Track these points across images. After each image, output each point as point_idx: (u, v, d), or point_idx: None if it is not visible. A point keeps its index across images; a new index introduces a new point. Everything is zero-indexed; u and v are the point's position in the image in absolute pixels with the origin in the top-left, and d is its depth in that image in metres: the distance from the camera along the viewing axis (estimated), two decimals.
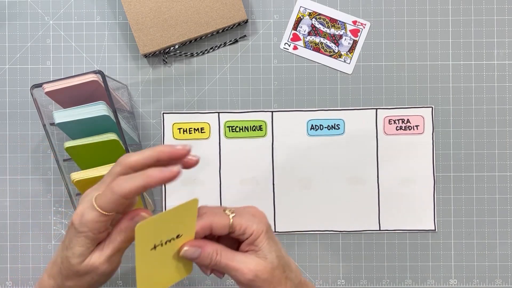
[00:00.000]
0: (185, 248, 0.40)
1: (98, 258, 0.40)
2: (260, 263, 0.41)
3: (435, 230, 0.60)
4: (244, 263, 0.40)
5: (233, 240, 0.43)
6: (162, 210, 0.60)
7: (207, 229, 0.40)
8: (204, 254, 0.40)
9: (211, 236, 0.42)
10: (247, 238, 0.41)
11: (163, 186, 0.61)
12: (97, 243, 0.40)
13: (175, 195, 0.61)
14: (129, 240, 0.41)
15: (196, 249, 0.40)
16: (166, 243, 0.41)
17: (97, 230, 0.39)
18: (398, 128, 0.60)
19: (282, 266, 0.41)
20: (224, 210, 0.42)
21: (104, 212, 0.38)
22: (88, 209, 0.38)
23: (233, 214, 0.41)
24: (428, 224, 0.60)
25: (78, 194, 0.56)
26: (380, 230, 0.61)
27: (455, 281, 0.61)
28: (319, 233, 0.61)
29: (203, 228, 0.40)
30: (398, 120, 0.60)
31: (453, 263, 0.60)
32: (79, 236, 0.39)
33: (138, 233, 0.39)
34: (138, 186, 0.37)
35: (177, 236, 0.41)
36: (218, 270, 0.43)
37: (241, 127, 0.61)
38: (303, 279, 0.45)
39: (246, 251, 0.42)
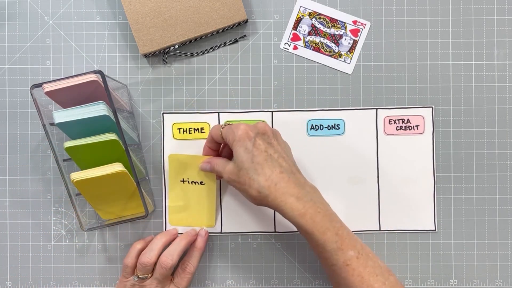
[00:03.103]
0: (201, 163, 0.56)
1: None
2: (230, 167, 0.50)
3: (435, 230, 0.60)
4: (224, 167, 0.51)
5: None
6: (162, 210, 0.60)
7: (211, 137, 0.54)
8: (211, 167, 0.54)
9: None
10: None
11: (163, 186, 0.60)
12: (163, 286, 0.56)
13: None
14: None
15: (207, 164, 0.55)
16: (192, 183, 0.58)
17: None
18: (398, 128, 0.60)
19: (246, 170, 0.48)
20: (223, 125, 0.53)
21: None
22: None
23: (223, 127, 0.52)
24: (428, 224, 0.60)
25: (78, 194, 0.56)
26: (380, 230, 0.61)
27: (455, 281, 0.61)
28: None
29: (211, 136, 0.54)
30: (398, 120, 0.60)
31: (453, 263, 0.60)
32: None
33: (169, 161, 0.58)
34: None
35: (201, 183, 0.58)
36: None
37: None
38: (303, 181, 0.50)
39: None
